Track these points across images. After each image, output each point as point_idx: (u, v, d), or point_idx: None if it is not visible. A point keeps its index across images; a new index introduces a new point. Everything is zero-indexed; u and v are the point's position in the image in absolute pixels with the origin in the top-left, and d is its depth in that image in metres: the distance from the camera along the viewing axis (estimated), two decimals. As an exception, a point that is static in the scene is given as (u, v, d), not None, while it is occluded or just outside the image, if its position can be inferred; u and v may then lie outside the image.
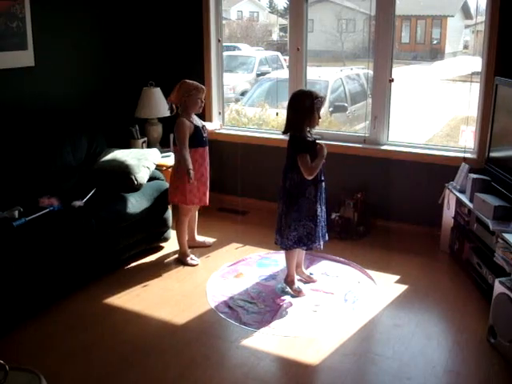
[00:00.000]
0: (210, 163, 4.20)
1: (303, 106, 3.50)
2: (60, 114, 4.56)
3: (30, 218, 3.56)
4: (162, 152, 4.79)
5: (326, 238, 3.73)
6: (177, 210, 4.28)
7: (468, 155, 4.39)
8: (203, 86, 4.06)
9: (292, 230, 3.58)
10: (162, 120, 5.10)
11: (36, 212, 3.63)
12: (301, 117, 3.52)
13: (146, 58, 5.37)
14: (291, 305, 3.59)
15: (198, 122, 4.11)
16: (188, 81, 4.05)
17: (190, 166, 3.91)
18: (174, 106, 4.08)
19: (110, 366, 2.98)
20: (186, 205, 4.14)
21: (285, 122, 3.64)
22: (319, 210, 3.60)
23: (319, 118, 3.57)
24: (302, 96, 3.55)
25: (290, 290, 3.75)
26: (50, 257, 3.46)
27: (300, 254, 3.85)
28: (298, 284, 3.78)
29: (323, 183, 3.64)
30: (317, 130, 3.81)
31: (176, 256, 4.28)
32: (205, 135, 4.13)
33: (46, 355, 3.05)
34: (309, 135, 3.57)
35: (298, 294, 3.72)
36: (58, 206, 3.78)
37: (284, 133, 3.65)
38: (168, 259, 4.28)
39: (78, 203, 3.86)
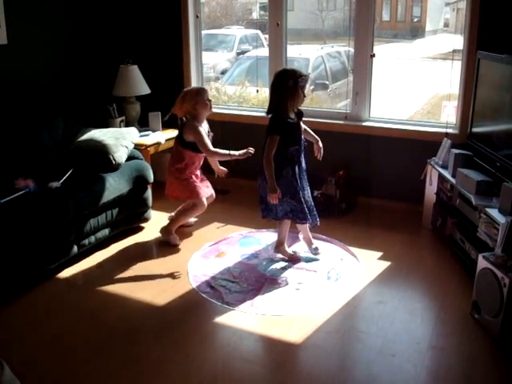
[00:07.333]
0: None
1: (287, 85, 3.44)
2: (35, 94, 4.45)
3: (5, 200, 3.48)
4: (140, 131, 4.71)
5: (317, 221, 3.74)
6: (159, 189, 4.31)
7: (450, 130, 4.37)
8: (203, 87, 4.07)
9: (278, 205, 3.60)
10: (139, 98, 5.01)
11: (11, 194, 3.55)
12: (285, 97, 3.47)
13: (122, 35, 5.26)
14: (274, 283, 3.56)
15: (205, 127, 4.08)
16: (187, 88, 4.07)
17: (235, 153, 3.90)
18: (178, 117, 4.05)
19: (90, 350, 2.92)
20: (202, 197, 4.11)
21: (268, 102, 3.58)
22: (299, 188, 3.58)
23: (304, 96, 3.54)
24: (285, 75, 3.49)
25: (281, 256, 3.77)
26: (26, 239, 3.38)
27: (304, 230, 3.87)
28: (290, 250, 3.79)
29: (303, 164, 3.61)
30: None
31: (157, 236, 4.21)
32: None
33: (22, 342, 2.98)
34: (292, 117, 3.51)
35: (293, 258, 3.70)
36: (34, 188, 3.70)
37: (268, 113, 3.58)
38: (148, 240, 4.22)
39: (55, 184, 3.78)
